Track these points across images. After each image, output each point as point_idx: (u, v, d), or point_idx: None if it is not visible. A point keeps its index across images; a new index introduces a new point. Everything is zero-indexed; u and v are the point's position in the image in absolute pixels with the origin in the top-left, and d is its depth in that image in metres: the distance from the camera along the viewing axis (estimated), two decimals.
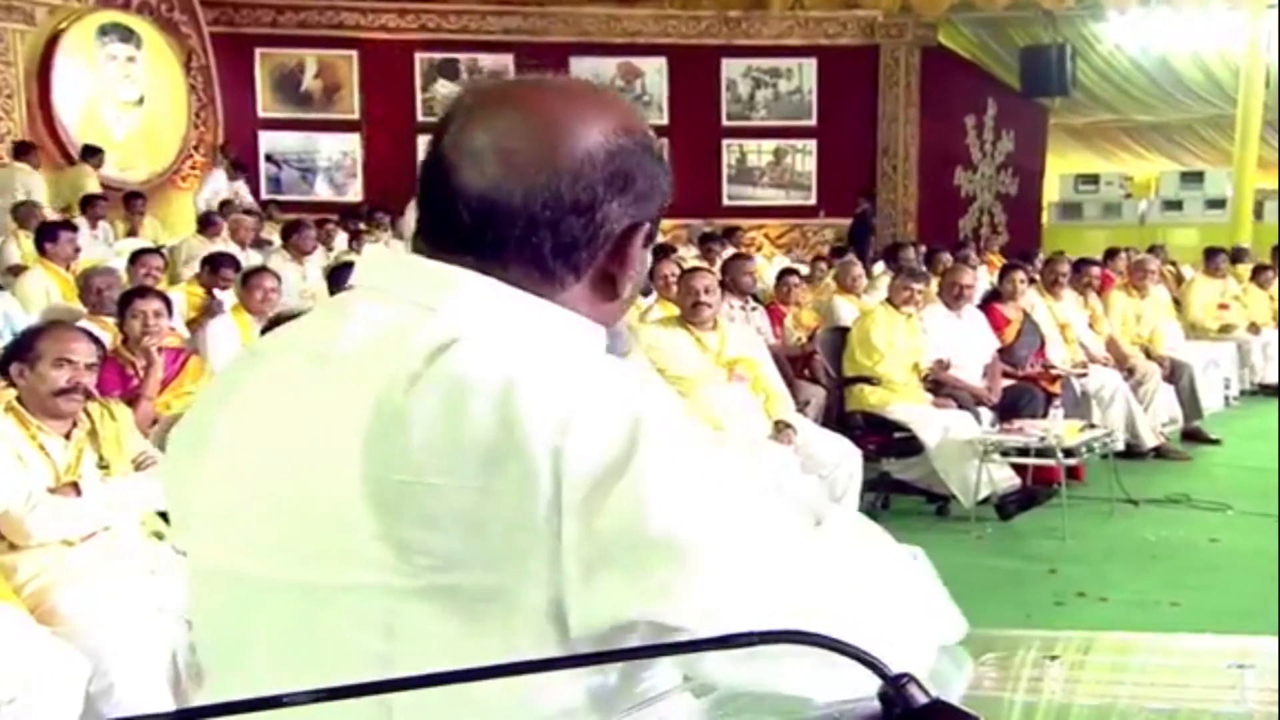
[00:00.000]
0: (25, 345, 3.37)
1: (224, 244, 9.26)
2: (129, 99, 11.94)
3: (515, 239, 0.97)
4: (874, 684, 0.73)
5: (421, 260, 0.99)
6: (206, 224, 10.03)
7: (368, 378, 0.92)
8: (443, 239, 0.99)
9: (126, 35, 11.80)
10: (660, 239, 8.00)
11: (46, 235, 7.65)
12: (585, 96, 1.02)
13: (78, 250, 7.74)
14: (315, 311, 1.09)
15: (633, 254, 1.02)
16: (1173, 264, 11.40)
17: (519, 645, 0.87)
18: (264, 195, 13.00)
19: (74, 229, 8.18)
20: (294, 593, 0.93)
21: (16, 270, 7.90)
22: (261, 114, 13.55)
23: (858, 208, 13.64)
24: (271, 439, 0.96)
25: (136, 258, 6.97)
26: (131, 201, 10.96)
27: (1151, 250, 11.52)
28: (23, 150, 10.60)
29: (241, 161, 12.50)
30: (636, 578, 0.85)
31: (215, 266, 7.00)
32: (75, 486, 3.22)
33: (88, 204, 10.10)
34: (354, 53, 13.55)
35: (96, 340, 4.00)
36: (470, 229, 0.97)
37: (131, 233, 10.58)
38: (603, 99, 1.03)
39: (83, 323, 5.06)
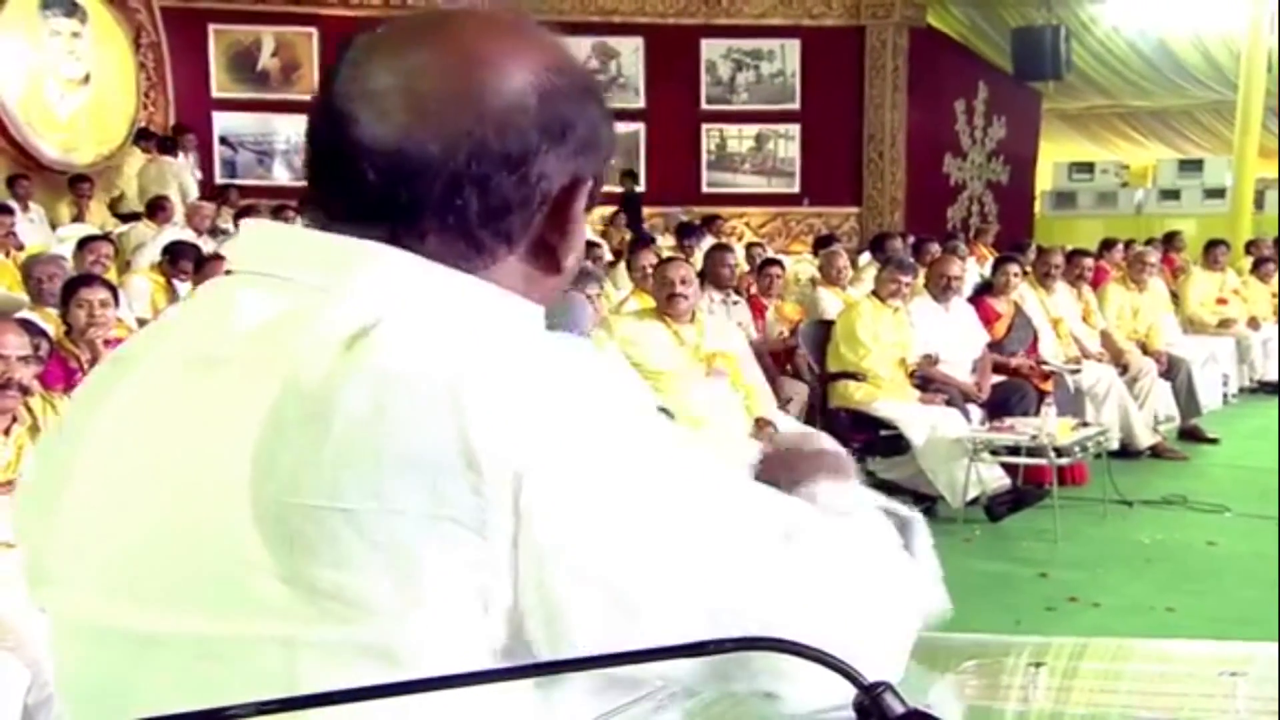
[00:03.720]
0: None
1: (179, 231, 9.14)
2: (74, 77, 11.65)
3: (435, 201, 0.83)
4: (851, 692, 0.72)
5: (316, 234, 0.84)
6: (156, 210, 9.82)
7: (259, 380, 0.78)
8: (344, 207, 0.84)
9: (71, 9, 11.52)
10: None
11: None
12: (509, 28, 0.87)
13: (11, 234, 7.66)
14: (189, 305, 0.93)
15: (574, 217, 0.88)
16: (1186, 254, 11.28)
17: (459, 706, 0.73)
18: (218, 179, 12.80)
19: (8, 212, 8.10)
20: (182, 647, 0.79)
21: None
22: (215, 94, 13.35)
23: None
24: (148, 463, 0.82)
25: (84, 244, 6.88)
26: (77, 185, 10.79)
27: (1169, 238, 11.51)
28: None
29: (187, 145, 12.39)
30: (608, 621, 0.76)
31: (175, 256, 6.89)
32: (14, 485, 3.14)
33: (11, 183, 9.95)
34: (313, 30, 13.31)
35: (37, 331, 4.02)
36: (379, 191, 0.82)
37: (78, 218, 10.40)
38: (530, 31, 0.88)
39: (25, 313, 5.12)
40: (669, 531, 0.78)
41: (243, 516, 0.75)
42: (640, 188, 13.31)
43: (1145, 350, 7.99)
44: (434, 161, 0.82)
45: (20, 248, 7.65)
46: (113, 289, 4.94)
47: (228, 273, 0.87)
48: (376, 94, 0.83)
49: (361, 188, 0.83)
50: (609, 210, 12.38)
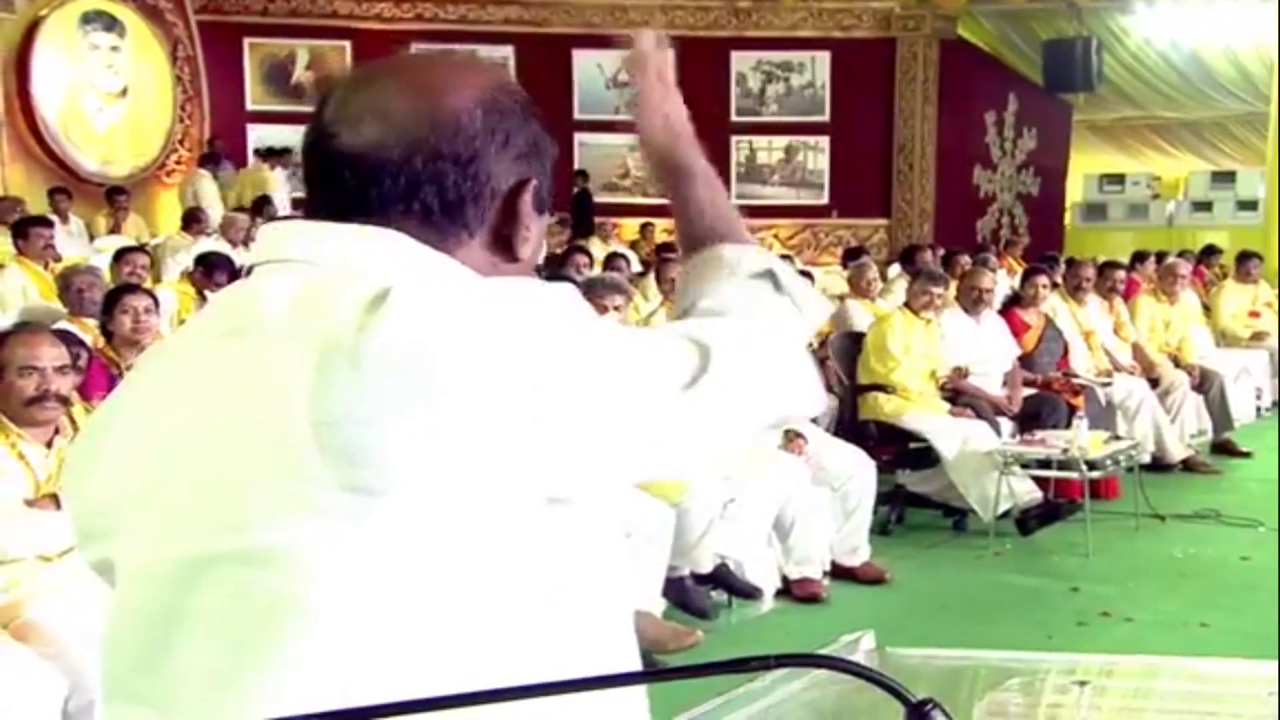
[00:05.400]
0: None
1: (214, 242, 9.14)
2: (112, 90, 11.78)
3: (399, 196, 1.00)
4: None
5: (326, 225, 1.01)
6: (191, 221, 9.94)
7: (300, 339, 0.93)
8: (330, 206, 1.01)
9: (110, 23, 11.66)
10: (666, 239, 7.51)
11: (18, 231, 7.61)
12: (460, 62, 1.09)
13: (50, 247, 7.66)
14: (215, 299, 1.11)
15: (522, 211, 1.05)
16: (1221, 267, 11.13)
17: (485, 560, 0.93)
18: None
19: (48, 224, 8.12)
20: (236, 561, 0.92)
21: None
22: (250, 106, 13.40)
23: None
24: (192, 418, 0.97)
25: (121, 256, 6.91)
26: (114, 197, 10.89)
27: (1207, 252, 11.39)
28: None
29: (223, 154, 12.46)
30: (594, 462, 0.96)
31: (209, 268, 6.80)
32: (55, 499, 3.14)
33: (51, 196, 10.05)
34: (347, 43, 13.38)
35: (74, 341, 4.02)
36: (355, 190, 1.00)
37: (114, 229, 10.50)
38: (477, 64, 1.09)
39: (62, 324, 5.17)
40: (643, 420, 0.97)
41: (305, 443, 0.90)
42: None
43: (1177, 363, 7.92)
44: (395, 164, 1.00)
45: (58, 259, 7.71)
46: (154, 297, 4.98)
47: (248, 272, 1.04)
48: (353, 114, 1.02)
49: (342, 189, 1.01)
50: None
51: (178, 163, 12.44)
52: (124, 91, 11.84)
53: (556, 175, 1.09)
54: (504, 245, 1.05)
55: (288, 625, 0.91)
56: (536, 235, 1.07)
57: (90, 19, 11.43)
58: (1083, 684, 1.14)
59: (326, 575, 0.91)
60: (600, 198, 13.74)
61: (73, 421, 3.33)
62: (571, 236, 10.92)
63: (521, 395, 0.91)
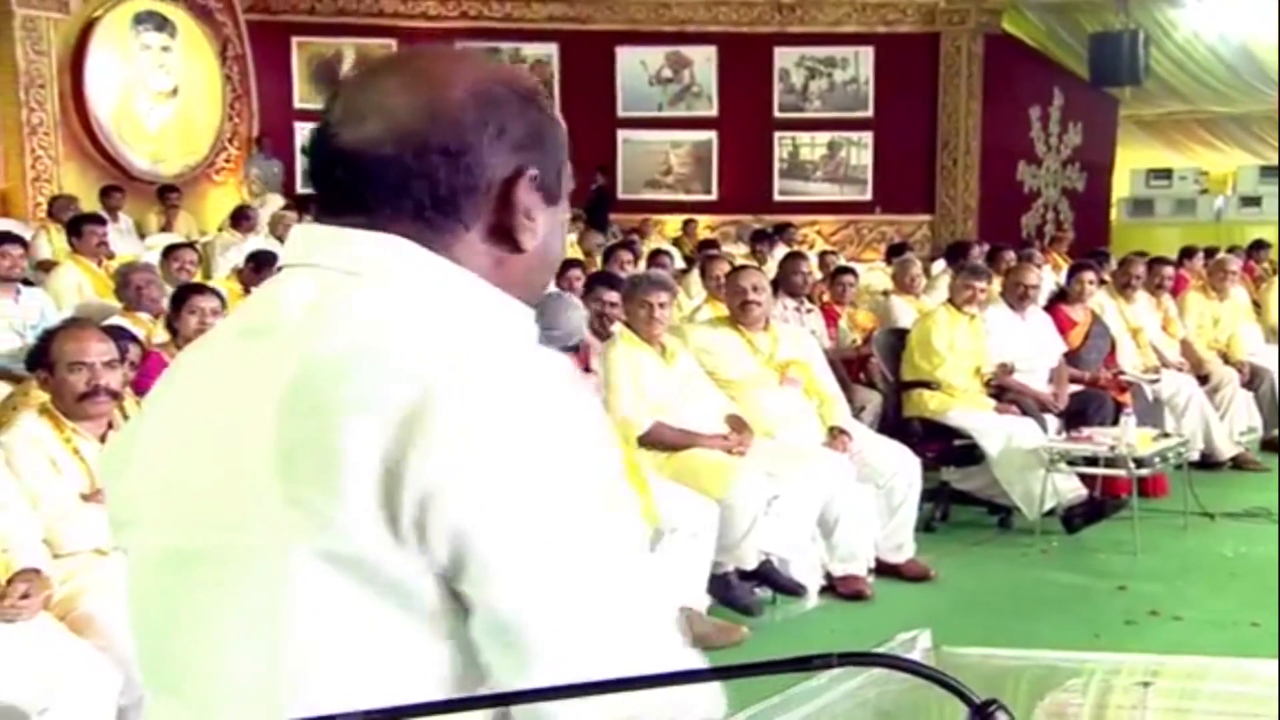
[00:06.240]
0: (43, 350, 3.40)
1: (264, 240, 9.22)
2: (163, 89, 11.90)
3: (391, 191, 0.99)
4: None
5: (333, 229, 1.02)
6: (240, 218, 10.04)
7: (292, 347, 0.95)
8: (328, 204, 1.02)
9: (161, 23, 11.77)
10: (708, 235, 7.51)
11: (72, 229, 7.71)
12: (459, 55, 1.09)
13: (104, 244, 7.75)
14: (252, 295, 1.12)
15: (520, 201, 1.03)
16: (1270, 262, 11.00)
17: (411, 629, 0.91)
18: (300, 189, 12.71)
19: (100, 222, 8.21)
20: (214, 557, 0.96)
21: (49, 266, 7.93)
22: (298, 105, 13.41)
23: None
24: (201, 416, 1.00)
25: (169, 252, 7.02)
26: (166, 195, 11.02)
27: (1256, 246, 11.27)
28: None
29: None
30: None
31: (259, 266, 6.86)
32: None
33: (105, 194, 10.17)
34: (393, 41, 13.34)
35: (125, 335, 4.07)
36: (349, 188, 1.00)
37: (166, 227, 10.63)
38: (478, 58, 1.09)
39: (116, 319, 5.21)
40: (581, 586, 0.91)
41: (268, 451, 0.93)
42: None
43: (1226, 360, 7.83)
44: (388, 158, 0.99)
45: (111, 256, 7.81)
46: (221, 298, 5.01)
47: (279, 269, 1.06)
48: (352, 112, 1.02)
49: (337, 187, 1.01)
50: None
51: (226, 161, 12.52)
52: (175, 91, 11.93)
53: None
54: (505, 237, 1.03)
55: (251, 626, 0.93)
56: (545, 225, 1.05)
57: (142, 19, 11.52)
58: (1145, 685, 1.13)
59: (272, 586, 0.92)
60: (643, 195, 13.74)
61: (125, 416, 3.36)
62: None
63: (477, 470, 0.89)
